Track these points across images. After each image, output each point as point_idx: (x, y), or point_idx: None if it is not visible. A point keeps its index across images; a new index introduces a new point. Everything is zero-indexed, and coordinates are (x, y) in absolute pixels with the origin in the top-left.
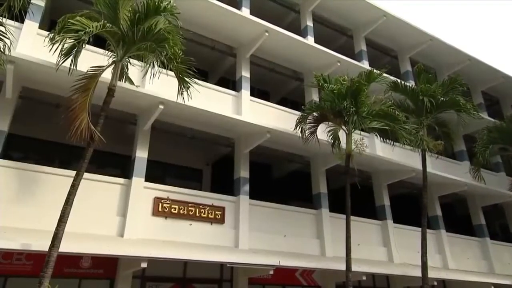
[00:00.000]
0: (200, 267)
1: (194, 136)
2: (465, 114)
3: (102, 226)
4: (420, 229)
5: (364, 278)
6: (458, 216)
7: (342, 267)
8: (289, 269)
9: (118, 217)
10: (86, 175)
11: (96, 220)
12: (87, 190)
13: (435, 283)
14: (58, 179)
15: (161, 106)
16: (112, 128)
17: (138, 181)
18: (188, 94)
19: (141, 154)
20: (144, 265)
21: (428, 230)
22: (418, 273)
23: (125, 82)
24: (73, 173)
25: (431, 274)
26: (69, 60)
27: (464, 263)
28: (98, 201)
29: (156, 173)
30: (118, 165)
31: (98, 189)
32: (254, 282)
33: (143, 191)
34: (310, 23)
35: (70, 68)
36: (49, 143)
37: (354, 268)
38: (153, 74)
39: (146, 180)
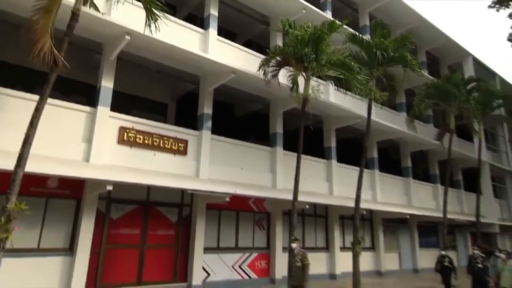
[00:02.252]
0: (163, 192)
1: (160, 71)
2: (410, 70)
3: (67, 150)
4: (358, 168)
5: (307, 207)
6: (391, 159)
7: (290, 197)
8: (244, 197)
9: (83, 143)
10: (50, 100)
11: (61, 145)
12: (52, 115)
13: (365, 213)
14: (21, 103)
15: (127, 37)
16: (78, 55)
17: (103, 110)
18: (156, 26)
19: (107, 84)
20: (109, 188)
21: (364, 170)
22: (352, 204)
23: (90, 8)
24: (37, 97)
25: (363, 205)
26: None
27: (389, 197)
28: (63, 127)
29: (122, 104)
30: (84, 93)
31: (63, 115)
32: (212, 207)
33: (109, 120)
34: None
35: None
36: (10, 66)
37: (300, 198)
38: (118, 0)
39: (111, 110)
